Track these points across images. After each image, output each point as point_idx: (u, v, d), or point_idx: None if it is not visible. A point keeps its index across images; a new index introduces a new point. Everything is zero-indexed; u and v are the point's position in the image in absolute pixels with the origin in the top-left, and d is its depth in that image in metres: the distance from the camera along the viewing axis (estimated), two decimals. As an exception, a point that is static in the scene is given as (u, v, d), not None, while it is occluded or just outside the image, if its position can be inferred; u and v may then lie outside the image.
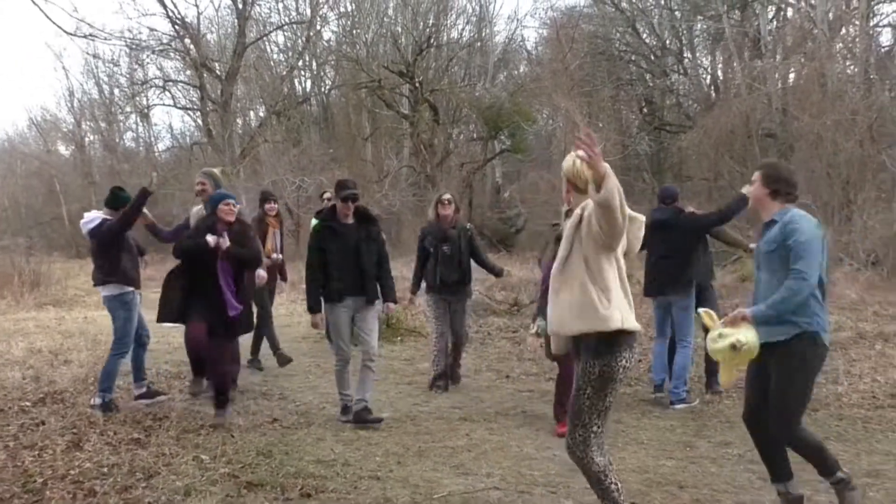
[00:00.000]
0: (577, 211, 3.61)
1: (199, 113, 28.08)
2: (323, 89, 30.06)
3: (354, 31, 26.82)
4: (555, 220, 7.58)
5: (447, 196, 7.66)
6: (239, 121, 29.13)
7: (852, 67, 19.66)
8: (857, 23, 20.00)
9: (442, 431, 6.04)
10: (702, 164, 21.22)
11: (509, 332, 10.69)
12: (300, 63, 28.66)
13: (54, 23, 44.34)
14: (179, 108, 30.69)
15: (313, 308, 6.27)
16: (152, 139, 34.85)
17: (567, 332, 3.60)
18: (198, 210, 6.97)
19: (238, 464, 4.88)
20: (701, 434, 6.04)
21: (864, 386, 7.25)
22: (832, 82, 18.51)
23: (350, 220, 6.27)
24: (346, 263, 6.14)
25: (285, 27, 27.64)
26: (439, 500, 4.43)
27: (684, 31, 25.83)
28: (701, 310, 4.34)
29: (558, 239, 4.03)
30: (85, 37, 23.39)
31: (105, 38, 26.48)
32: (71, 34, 24.75)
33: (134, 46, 25.82)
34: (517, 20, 52.16)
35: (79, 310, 14.12)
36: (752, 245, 7.93)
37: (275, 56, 29.72)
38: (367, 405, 6.17)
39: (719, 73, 25.22)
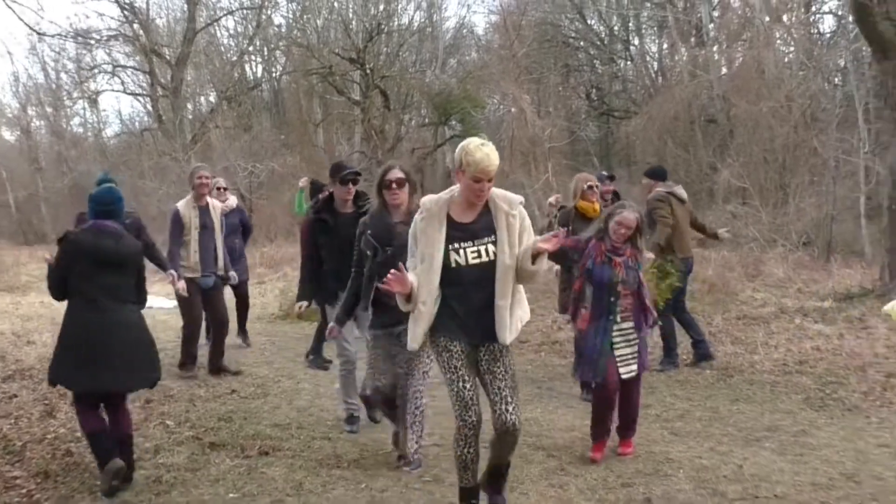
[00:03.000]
0: None
1: (148, 98, 27.99)
2: (274, 75, 30.11)
3: (305, 17, 26.94)
4: (560, 202, 7.41)
5: (397, 174, 4.72)
6: (189, 106, 29.09)
7: (791, 54, 20.44)
8: (795, 11, 20.83)
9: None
10: (647, 150, 21.88)
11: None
12: (251, 48, 28.71)
13: (28, 25, 43.71)
14: (129, 93, 30.28)
15: (300, 297, 5.82)
16: (101, 125, 34.44)
17: None
18: (185, 203, 7.20)
19: (201, 428, 5.33)
20: (626, 398, 6.60)
21: (777, 355, 7.88)
22: (769, 69, 19.27)
23: (349, 209, 5.51)
24: (342, 260, 5.21)
25: (235, 12, 27.70)
26: (384, 456, 4.93)
27: (631, 18, 26.50)
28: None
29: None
30: (54, 36, 23.67)
31: (73, 38, 26.17)
32: (41, 34, 24.89)
33: (88, 41, 25.94)
34: (467, 6, 52.67)
35: (34, 295, 14.28)
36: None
37: (225, 41, 29.70)
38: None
39: (665, 59, 25.96)
